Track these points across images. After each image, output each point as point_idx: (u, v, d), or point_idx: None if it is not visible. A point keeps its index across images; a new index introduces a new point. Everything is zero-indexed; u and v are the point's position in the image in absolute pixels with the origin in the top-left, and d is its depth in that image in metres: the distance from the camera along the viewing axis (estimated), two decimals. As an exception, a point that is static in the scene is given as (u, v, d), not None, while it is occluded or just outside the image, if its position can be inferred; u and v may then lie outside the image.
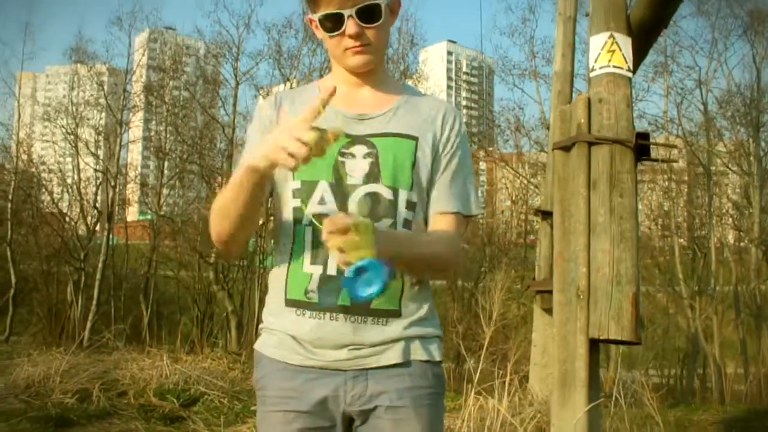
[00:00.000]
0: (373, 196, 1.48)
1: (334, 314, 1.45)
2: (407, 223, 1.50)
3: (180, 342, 12.01)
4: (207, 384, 6.96)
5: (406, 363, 1.49)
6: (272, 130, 1.45)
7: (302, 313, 1.47)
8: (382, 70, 1.60)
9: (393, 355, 1.48)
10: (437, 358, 1.55)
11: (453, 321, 11.51)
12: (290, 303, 1.49)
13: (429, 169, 1.54)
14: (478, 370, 4.66)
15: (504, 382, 4.77)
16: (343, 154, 1.48)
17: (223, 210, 1.42)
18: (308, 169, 1.44)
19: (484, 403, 4.62)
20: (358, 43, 1.46)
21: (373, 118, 1.53)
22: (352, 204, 1.47)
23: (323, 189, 1.48)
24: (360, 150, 1.49)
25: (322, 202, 1.47)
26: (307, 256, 1.47)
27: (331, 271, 1.45)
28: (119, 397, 6.61)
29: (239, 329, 14.61)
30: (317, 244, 1.45)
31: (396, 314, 1.49)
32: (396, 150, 1.50)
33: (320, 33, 1.51)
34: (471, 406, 4.54)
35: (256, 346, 1.56)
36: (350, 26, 1.44)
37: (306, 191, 1.49)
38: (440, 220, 1.54)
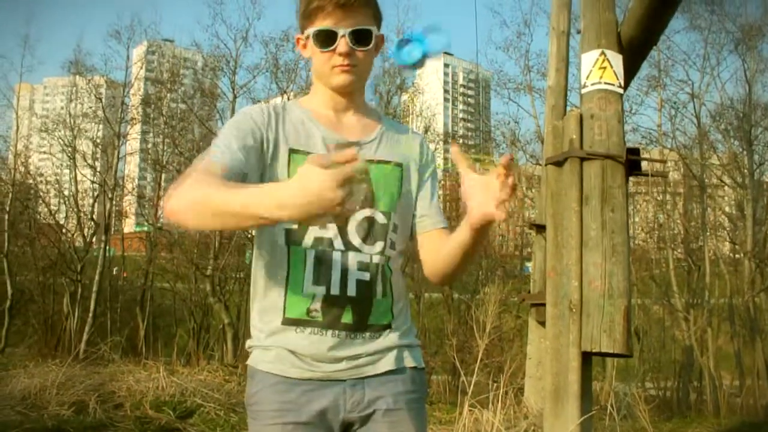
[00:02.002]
0: (369, 221, 1.56)
1: (336, 331, 1.53)
2: (392, 244, 1.61)
3: (176, 354, 11.99)
4: (203, 396, 6.97)
5: (399, 370, 1.59)
6: (255, 132, 1.51)
7: (302, 330, 1.53)
8: (362, 98, 1.68)
9: (387, 362, 1.58)
10: (423, 364, 1.67)
11: (448, 333, 11.51)
12: (289, 322, 1.54)
13: (413, 194, 1.66)
14: (473, 383, 4.67)
15: (499, 395, 4.79)
16: None
17: (217, 213, 1.28)
18: None
19: (479, 415, 4.63)
20: (347, 62, 1.53)
21: (364, 145, 1.60)
22: (351, 227, 1.54)
23: None
24: None
25: (323, 226, 1.53)
26: (308, 277, 1.52)
27: (335, 291, 1.52)
28: (115, 410, 6.61)
29: (235, 342, 14.58)
30: (319, 265, 1.52)
31: (388, 327, 1.59)
32: (387, 176, 1.60)
33: (308, 50, 1.59)
34: (465, 419, 4.55)
35: (250, 362, 1.61)
36: (342, 45, 1.52)
37: None
38: (443, 234, 1.66)
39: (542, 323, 4.40)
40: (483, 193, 1.39)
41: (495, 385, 4.91)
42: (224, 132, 1.55)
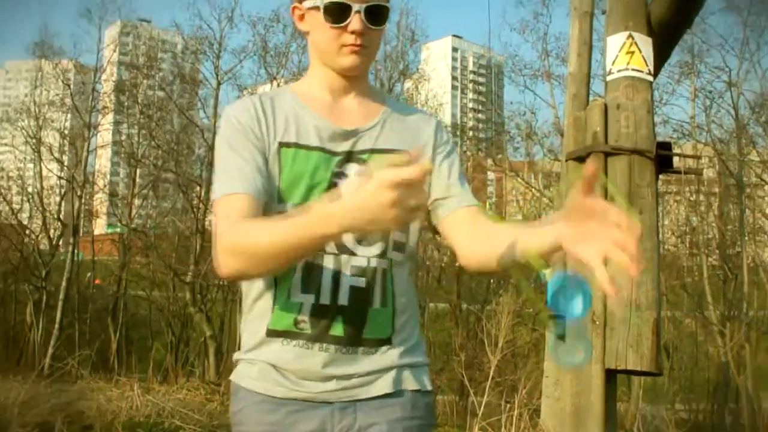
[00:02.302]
0: None
1: (325, 345, 1.49)
2: (396, 246, 1.55)
3: (152, 370, 11.99)
4: (182, 417, 6.97)
5: (397, 393, 1.53)
6: (252, 140, 1.49)
7: (288, 342, 1.51)
8: (365, 80, 1.65)
9: (383, 384, 1.52)
10: (428, 387, 1.60)
11: (456, 348, 11.51)
12: (273, 333, 1.52)
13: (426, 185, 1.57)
14: (483, 403, 4.68)
15: (512, 417, 4.79)
16: (336, 175, 1.51)
17: (275, 254, 1.33)
18: (299, 192, 1.49)
19: (491, 439, 4.64)
20: (359, 42, 1.50)
21: (362, 133, 1.55)
22: None
23: None
24: (352, 168, 1.51)
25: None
26: (297, 285, 1.50)
27: (325, 300, 1.49)
28: (85, 431, 6.61)
29: (218, 356, 14.58)
30: (309, 271, 1.50)
31: (387, 342, 1.54)
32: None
33: (309, 24, 1.54)
34: (475, 443, 4.56)
35: (233, 377, 1.59)
36: (356, 22, 1.48)
37: None
38: (476, 212, 1.59)
39: (561, 337, 4.41)
40: (592, 224, 1.18)
41: (508, 405, 4.91)
42: (224, 154, 1.51)
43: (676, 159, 3.67)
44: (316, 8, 1.50)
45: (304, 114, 1.56)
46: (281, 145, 1.52)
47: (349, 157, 1.53)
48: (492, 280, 18.37)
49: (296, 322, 1.50)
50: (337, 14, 1.48)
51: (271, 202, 1.50)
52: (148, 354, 15.18)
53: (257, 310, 1.55)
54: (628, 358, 3.17)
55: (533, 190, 19.76)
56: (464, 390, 9.10)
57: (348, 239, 1.50)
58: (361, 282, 1.51)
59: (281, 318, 1.51)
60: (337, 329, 1.49)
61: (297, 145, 1.52)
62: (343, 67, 1.54)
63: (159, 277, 17.63)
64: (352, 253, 1.51)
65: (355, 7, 1.47)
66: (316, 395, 1.50)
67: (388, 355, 1.54)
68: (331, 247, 1.49)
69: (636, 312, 3.19)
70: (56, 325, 15.52)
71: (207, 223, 17.38)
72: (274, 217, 1.45)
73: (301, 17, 1.56)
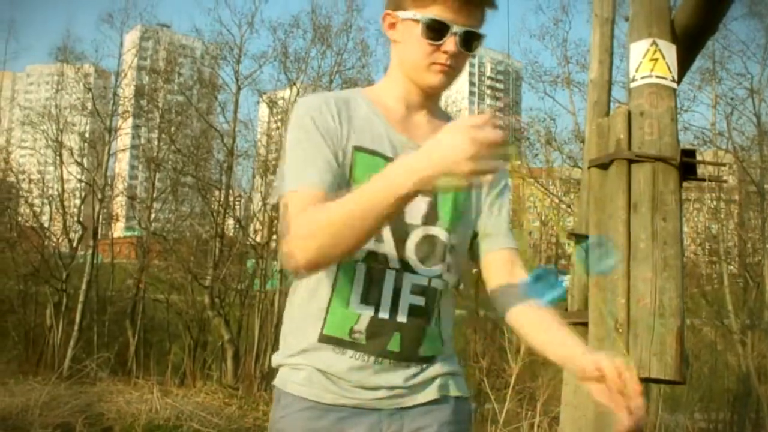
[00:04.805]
0: (431, 239, 1.54)
1: (380, 359, 1.51)
2: (449, 267, 1.59)
3: (170, 373, 12.07)
4: (201, 420, 7.01)
5: (442, 399, 1.58)
6: (329, 137, 1.48)
7: (342, 351, 1.51)
8: (439, 100, 1.69)
9: (430, 392, 1.57)
10: (467, 394, 1.64)
11: (475, 355, 11.47)
12: (327, 339, 1.52)
13: (473, 209, 1.63)
14: (504, 411, 4.67)
15: (532, 425, 4.78)
16: None
17: (345, 226, 1.30)
18: None
19: (510, 447, 4.63)
20: (449, 63, 1.52)
21: None
22: (410, 244, 1.52)
23: None
24: None
25: (379, 239, 1.50)
26: (356, 294, 1.51)
27: (384, 314, 1.51)
28: (104, 433, 6.66)
29: (236, 360, 14.62)
30: (370, 282, 1.51)
31: (437, 357, 1.59)
32: (455, 193, 1.56)
33: (402, 34, 1.55)
34: (495, 451, 4.55)
35: (277, 383, 1.59)
36: (451, 43, 1.49)
37: None
38: (511, 255, 1.65)
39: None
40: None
41: (528, 413, 4.90)
42: (300, 147, 1.49)
43: (698, 166, 3.65)
44: (415, 21, 1.51)
45: (378, 123, 1.57)
46: (356, 148, 1.53)
47: None
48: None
49: (351, 332, 1.51)
50: (435, 32, 1.50)
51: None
52: (166, 357, 15.29)
53: (307, 314, 1.55)
54: (652, 367, 3.14)
55: (552, 196, 19.68)
56: (479, 397, 9.07)
57: (412, 259, 1.52)
58: (421, 301, 1.54)
59: (335, 325, 1.52)
60: (394, 345, 1.52)
61: (373, 152, 1.53)
62: (428, 84, 1.56)
63: (177, 280, 17.71)
64: (414, 272, 1.53)
65: (453, 28, 1.49)
66: (366, 402, 1.51)
67: (435, 367, 1.58)
68: (394, 262, 1.51)
69: (660, 320, 3.16)
70: (75, 328, 15.63)
71: (226, 227, 17.45)
72: None
73: (392, 25, 1.57)
